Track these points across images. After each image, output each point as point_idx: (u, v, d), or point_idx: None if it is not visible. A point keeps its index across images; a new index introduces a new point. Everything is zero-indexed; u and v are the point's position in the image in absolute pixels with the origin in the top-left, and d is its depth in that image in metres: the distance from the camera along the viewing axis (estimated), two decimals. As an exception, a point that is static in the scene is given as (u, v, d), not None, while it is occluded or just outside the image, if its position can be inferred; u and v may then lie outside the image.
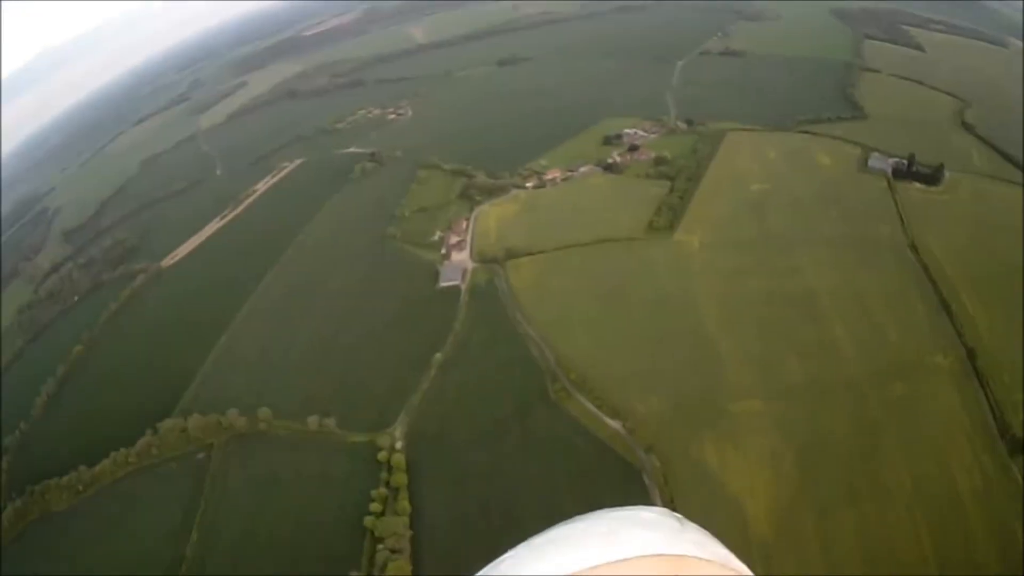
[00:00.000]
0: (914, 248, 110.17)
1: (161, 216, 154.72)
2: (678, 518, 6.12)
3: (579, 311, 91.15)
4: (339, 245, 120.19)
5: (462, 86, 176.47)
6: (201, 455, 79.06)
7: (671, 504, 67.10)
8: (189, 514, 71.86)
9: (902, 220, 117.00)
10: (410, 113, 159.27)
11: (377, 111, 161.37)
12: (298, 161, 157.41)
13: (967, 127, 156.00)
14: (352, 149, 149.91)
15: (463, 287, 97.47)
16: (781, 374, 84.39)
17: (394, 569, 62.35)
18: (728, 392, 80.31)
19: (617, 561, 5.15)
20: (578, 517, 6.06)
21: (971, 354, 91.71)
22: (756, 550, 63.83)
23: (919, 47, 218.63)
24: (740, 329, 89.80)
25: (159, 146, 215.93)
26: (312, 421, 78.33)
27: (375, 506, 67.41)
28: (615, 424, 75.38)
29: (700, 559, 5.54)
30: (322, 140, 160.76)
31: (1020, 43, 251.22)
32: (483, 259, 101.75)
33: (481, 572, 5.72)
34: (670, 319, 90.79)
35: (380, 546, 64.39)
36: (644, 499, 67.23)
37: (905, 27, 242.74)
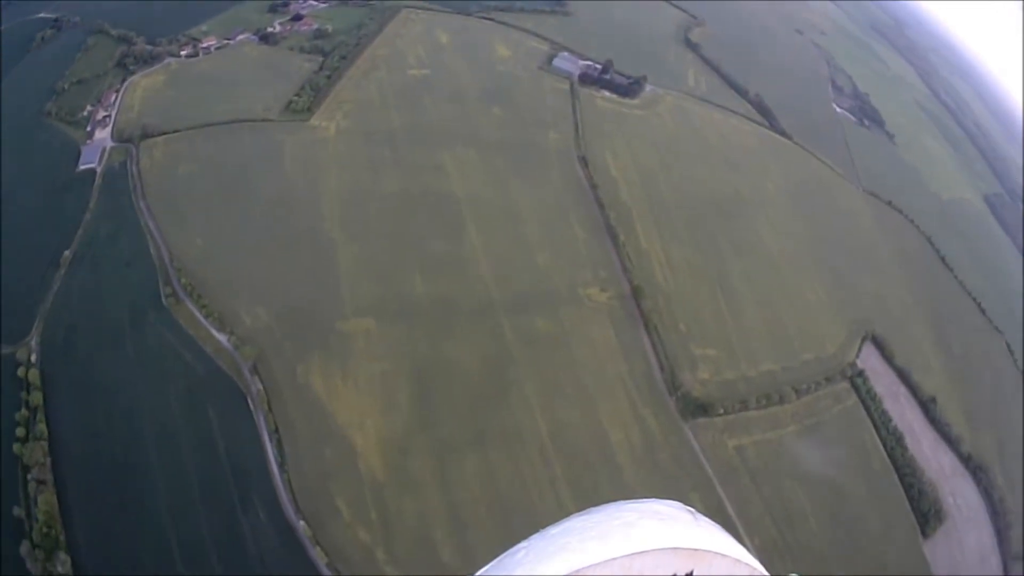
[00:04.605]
0: (584, 162, 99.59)
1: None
2: (691, 511, 6.67)
3: (200, 203, 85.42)
4: (4, 127, 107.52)
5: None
6: None
7: (275, 434, 63.69)
8: None
9: (577, 129, 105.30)
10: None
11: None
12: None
13: (691, 44, 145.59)
14: (42, 14, 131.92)
15: (99, 170, 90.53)
16: (403, 291, 77.03)
17: (43, 503, 58.49)
18: (341, 308, 74.67)
19: (634, 554, 5.37)
20: (592, 508, 6.34)
21: (637, 292, 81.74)
22: (368, 491, 58.14)
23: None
24: (365, 234, 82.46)
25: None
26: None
27: (20, 430, 63.54)
28: (222, 337, 70.56)
29: (714, 553, 5.92)
30: (25, 3, 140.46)
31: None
32: (121, 138, 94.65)
33: (495, 561, 6.02)
34: (290, 218, 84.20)
35: (29, 476, 60.49)
36: (248, 423, 64.53)
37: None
